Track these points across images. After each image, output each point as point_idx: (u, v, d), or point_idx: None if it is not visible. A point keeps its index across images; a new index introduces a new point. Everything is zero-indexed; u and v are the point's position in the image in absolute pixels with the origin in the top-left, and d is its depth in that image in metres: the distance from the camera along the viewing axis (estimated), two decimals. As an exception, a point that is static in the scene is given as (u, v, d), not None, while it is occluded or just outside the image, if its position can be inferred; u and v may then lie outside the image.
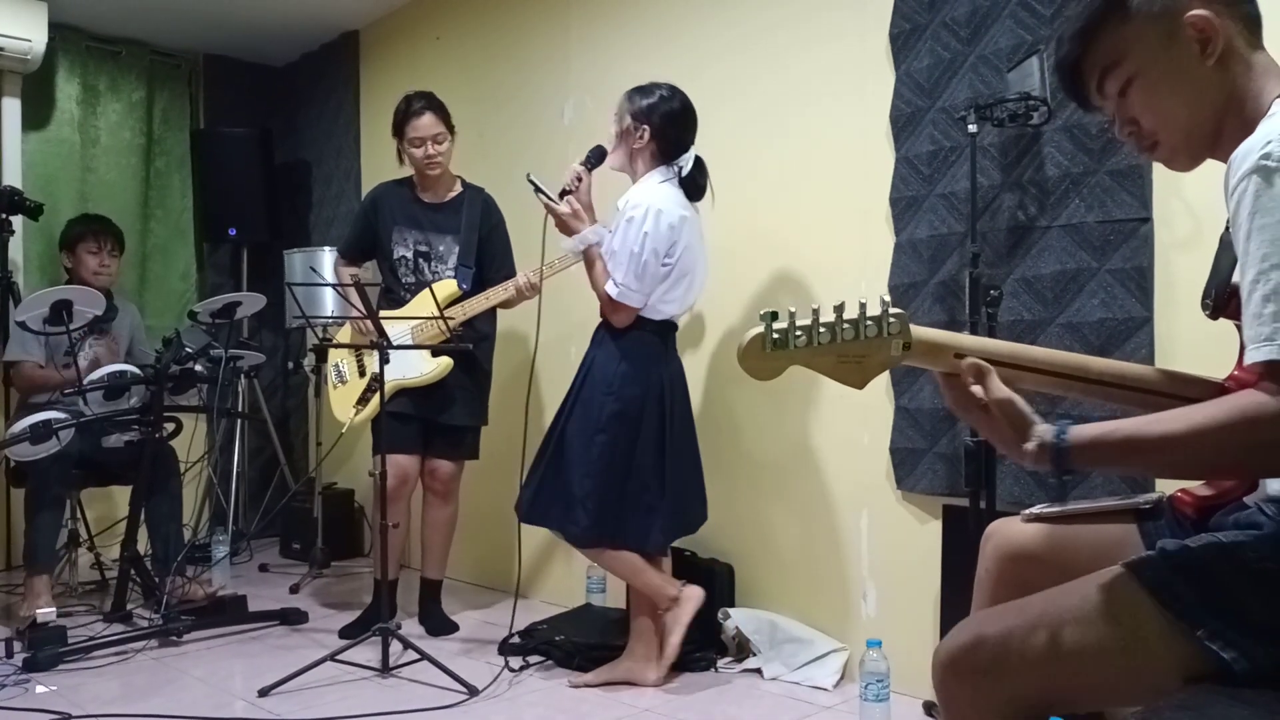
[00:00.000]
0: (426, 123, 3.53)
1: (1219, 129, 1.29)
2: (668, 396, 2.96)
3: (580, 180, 2.96)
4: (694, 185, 2.98)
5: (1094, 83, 1.36)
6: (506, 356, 3.93)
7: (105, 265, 4.05)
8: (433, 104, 3.57)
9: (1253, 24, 1.30)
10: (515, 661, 3.17)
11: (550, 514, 2.96)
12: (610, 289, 2.87)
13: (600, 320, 3.01)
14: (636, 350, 2.93)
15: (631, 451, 2.91)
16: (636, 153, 2.94)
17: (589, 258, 2.92)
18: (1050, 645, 1.22)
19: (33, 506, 3.60)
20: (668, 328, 3.01)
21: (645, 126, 2.91)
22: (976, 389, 1.28)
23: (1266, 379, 1.10)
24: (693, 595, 2.94)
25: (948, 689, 1.32)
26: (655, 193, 2.88)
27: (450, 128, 3.61)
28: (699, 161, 2.98)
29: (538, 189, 2.96)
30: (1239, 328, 1.37)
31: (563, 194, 2.94)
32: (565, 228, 2.95)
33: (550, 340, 4.09)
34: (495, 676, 3.01)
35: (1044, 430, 1.24)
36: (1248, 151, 1.14)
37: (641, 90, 2.96)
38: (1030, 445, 1.24)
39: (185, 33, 5.23)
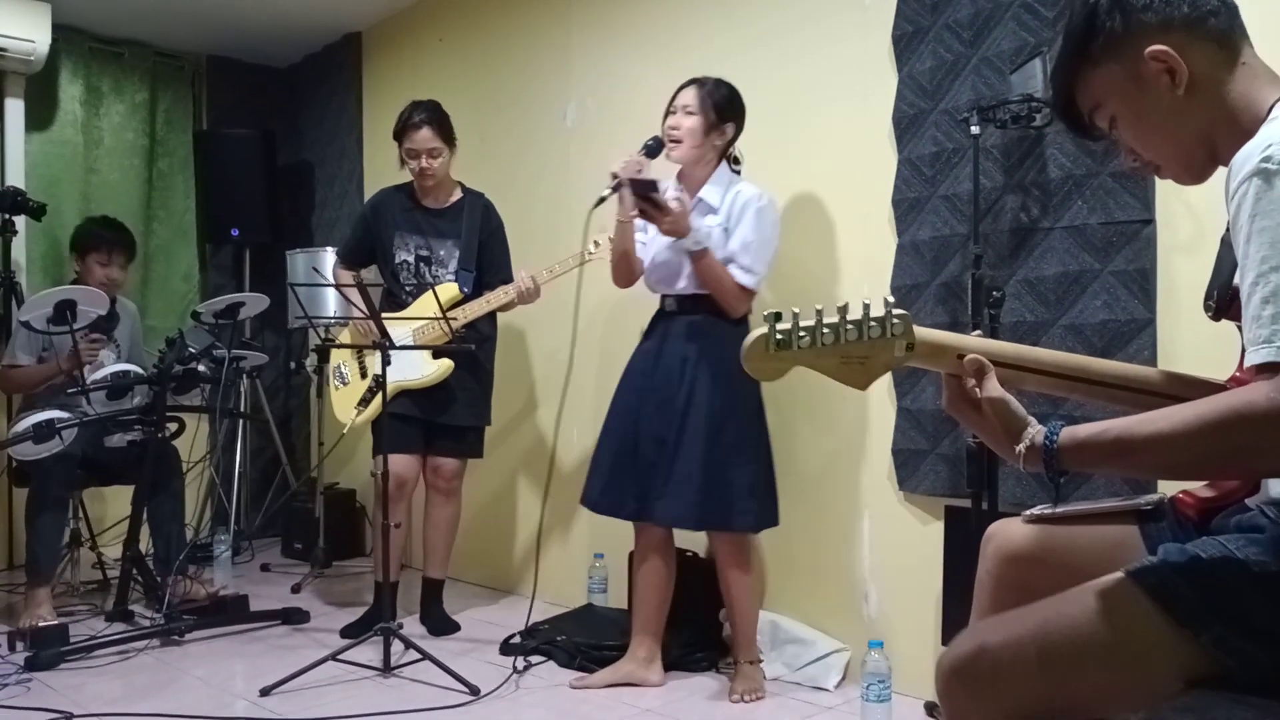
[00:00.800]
0: (424, 136, 3.53)
1: (1213, 147, 1.29)
2: None
3: (641, 171, 2.87)
4: None
5: (1087, 120, 1.38)
6: (504, 359, 3.93)
7: (113, 277, 4.01)
8: (432, 118, 3.55)
9: (1224, 36, 1.27)
10: (520, 662, 3.17)
11: (719, 515, 2.87)
12: (748, 280, 2.85)
13: (680, 310, 2.95)
14: (740, 338, 2.93)
15: (767, 433, 2.97)
16: (718, 149, 2.94)
17: (704, 255, 2.82)
18: (1053, 653, 1.22)
19: (34, 507, 3.58)
20: None
21: (732, 123, 2.93)
22: (973, 387, 1.29)
23: (1261, 380, 1.10)
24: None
25: (952, 698, 1.32)
26: (758, 188, 2.92)
27: (449, 141, 3.61)
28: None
29: (649, 188, 2.78)
30: (1241, 329, 1.37)
31: (619, 186, 2.83)
32: (679, 229, 2.81)
33: (549, 345, 4.10)
34: (505, 678, 3.01)
35: (1035, 431, 1.24)
36: (1248, 155, 1.13)
37: (716, 83, 2.92)
38: (1021, 446, 1.24)
39: (188, 34, 5.24)
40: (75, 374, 3.67)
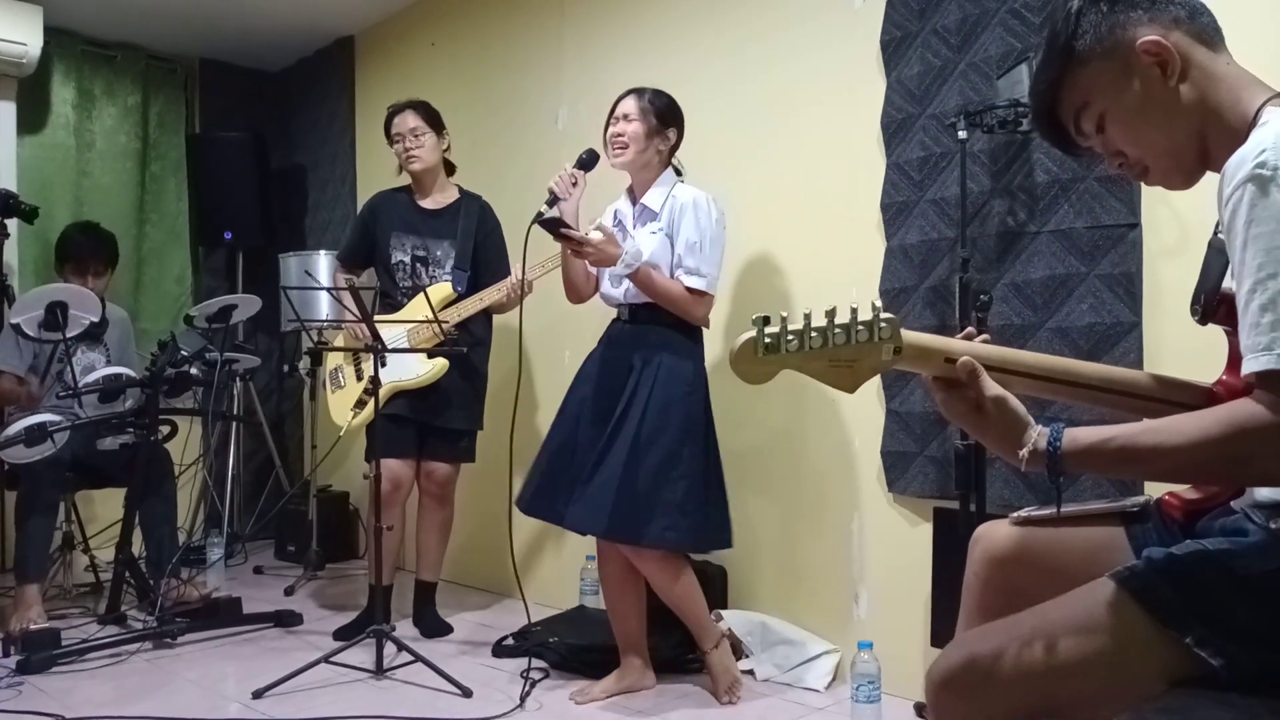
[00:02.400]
0: (404, 118, 3.63)
1: (1203, 145, 1.30)
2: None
3: (576, 184, 2.94)
4: None
5: (1071, 127, 1.38)
6: (500, 361, 3.94)
7: (92, 289, 3.93)
8: (414, 103, 3.67)
9: (1209, 36, 1.29)
10: (519, 665, 3.17)
11: (639, 527, 2.76)
12: (698, 283, 2.81)
13: (631, 320, 2.94)
14: (698, 348, 2.92)
15: (712, 450, 2.91)
16: (661, 154, 2.94)
17: (642, 273, 2.80)
18: (1040, 660, 1.24)
19: (24, 510, 3.58)
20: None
21: (674, 129, 2.94)
22: (970, 389, 1.29)
23: (1261, 389, 1.10)
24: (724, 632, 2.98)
25: (942, 709, 1.33)
26: (695, 189, 2.91)
27: (434, 125, 3.67)
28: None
29: (557, 225, 2.79)
30: (1228, 334, 1.38)
31: (554, 201, 2.89)
32: (606, 258, 2.80)
33: (542, 345, 4.11)
34: (508, 686, 3.01)
35: (1038, 434, 1.24)
36: (1241, 161, 1.14)
37: (655, 92, 2.94)
38: (1024, 450, 1.24)
39: (181, 37, 5.24)
40: (66, 379, 3.68)
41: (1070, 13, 1.33)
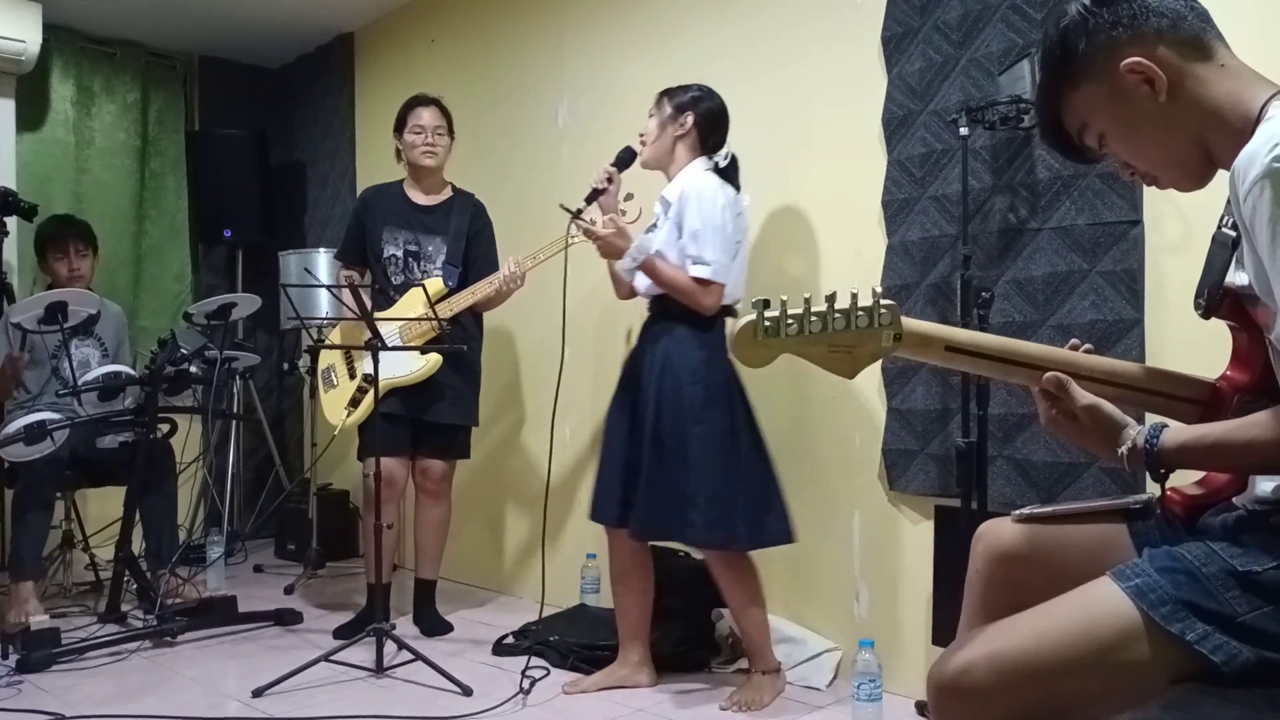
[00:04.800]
0: (431, 113, 3.65)
1: (1206, 150, 1.29)
2: (742, 385, 2.89)
3: (611, 181, 2.95)
4: (731, 182, 2.93)
5: (1077, 142, 1.39)
6: (495, 359, 3.94)
7: (76, 268, 3.99)
8: (439, 102, 3.70)
9: (1198, 41, 1.28)
10: (519, 663, 3.15)
11: (667, 524, 2.78)
12: (702, 271, 2.75)
13: (651, 315, 2.95)
14: (711, 337, 2.84)
15: (732, 441, 2.80)
16: (679, 140, 2.91)
17: (649, 266, 2.79)
18: (1041, 662, 1.24)
19: (21, 507, 3.57)
20: (729, 313, 2.90)
21: (690, 113, 2.90)
22: (1063, 401, 1.34)
23: None
24: (781, 684, 2.91)
25: (944, 711, 1.33)
26: (707, 176, 2.86)
27: (451, 130, 3.69)
28: (734, 160, 2.97)
29: (576, 216, 2.89)
30: (1231, 328, 1.38)
31: (594, 195, 2.91)
32: (613, 250, 2.84)
33: (539, 343, 4.10)
34: (506, 686, 3.00)
35: (1136, 434, 1.29)
36: (1252, 157, 1.13)
37: (680, 88, 2.94)
38: (1123, 449, 1.29)
39: (180, 34, 5.23)
40: (63, 374, 3.67)
41: (1057, 37, 1.34)
